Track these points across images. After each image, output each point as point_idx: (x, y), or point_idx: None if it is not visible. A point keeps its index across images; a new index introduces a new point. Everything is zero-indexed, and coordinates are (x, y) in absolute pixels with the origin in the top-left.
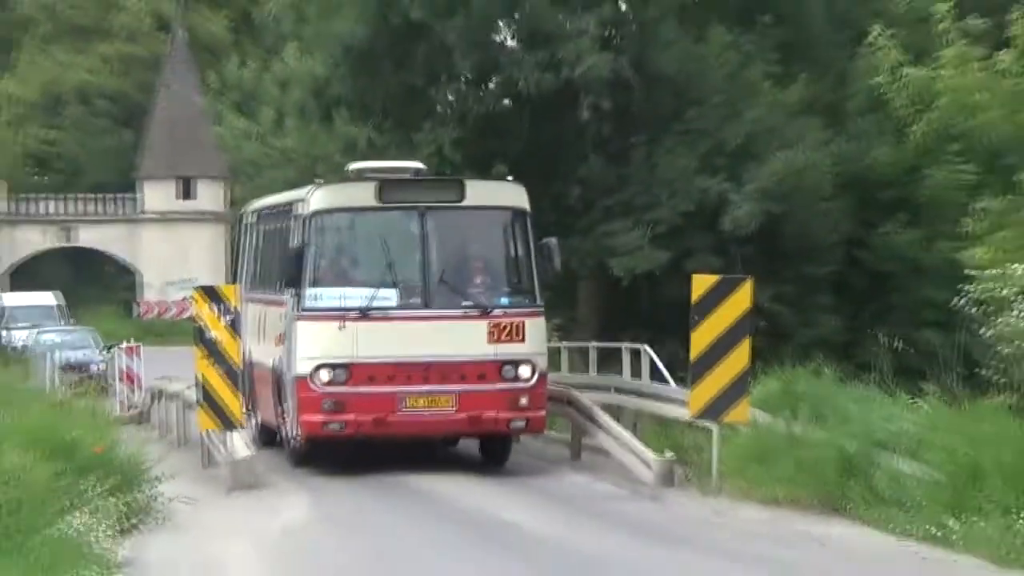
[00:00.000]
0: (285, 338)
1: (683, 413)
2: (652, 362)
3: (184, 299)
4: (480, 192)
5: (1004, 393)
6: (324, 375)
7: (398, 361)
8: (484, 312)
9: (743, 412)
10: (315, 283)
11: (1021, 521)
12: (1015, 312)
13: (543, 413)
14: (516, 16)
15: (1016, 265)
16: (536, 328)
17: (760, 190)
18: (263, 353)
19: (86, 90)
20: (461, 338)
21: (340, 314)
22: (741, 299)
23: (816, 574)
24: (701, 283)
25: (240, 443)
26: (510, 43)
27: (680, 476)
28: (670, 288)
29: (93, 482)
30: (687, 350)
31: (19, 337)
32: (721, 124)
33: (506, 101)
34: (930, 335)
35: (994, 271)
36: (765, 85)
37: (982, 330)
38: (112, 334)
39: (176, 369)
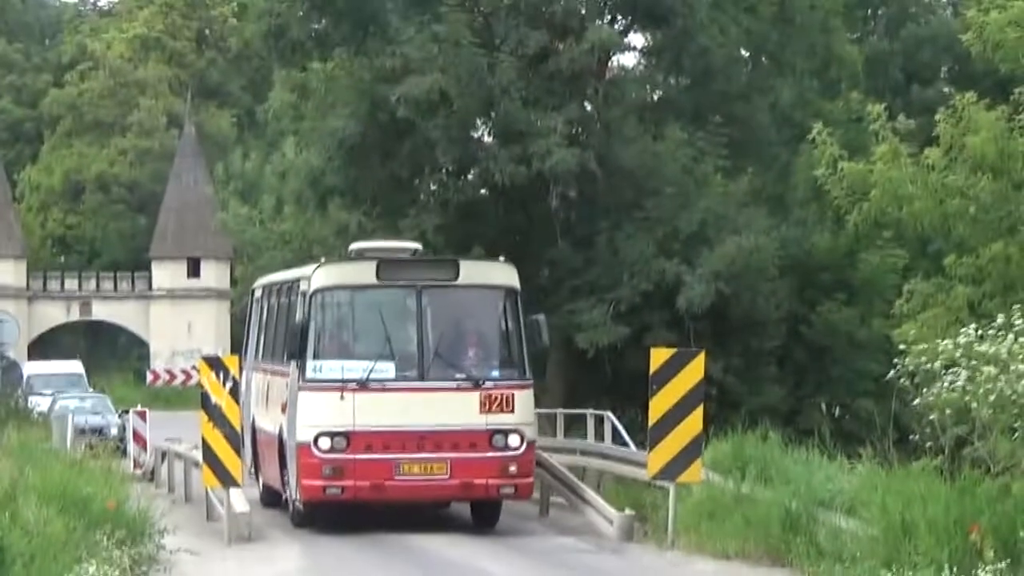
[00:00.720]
0: (288, 407)
1: (642, 473)
2: (614, 427)
3: (191, 367)
4: (473, 271)
5: (932, 456)
6: (324, 443)
7: (394, 430)
8: (476, 384)
9: (696, 472)
10: (317, 355)
11: (948, 574)
12: (942, 383)
13: (531, 479)
14: (492, 115)
15: (945, 341)
16: (525, 399)
17: (712, 272)
18: (268, 420)
19: (104, 179)
20: (454, 409)
21: (340, 385)
22: (694, 370)
23: None
24: (658, 356)
25: (239, 499)
26: (487, 139)
27: (639, 531)
28: (630, 360)
29: (104, 534)
30: (646, 416)
31: (42, 403)
32: (676, 212)
33: (483, 191)
34: (866, 404)
35: (923, 346)
36: (716, 178)
37: (913, 400)
38: (124, 399)
39: (181, 432)
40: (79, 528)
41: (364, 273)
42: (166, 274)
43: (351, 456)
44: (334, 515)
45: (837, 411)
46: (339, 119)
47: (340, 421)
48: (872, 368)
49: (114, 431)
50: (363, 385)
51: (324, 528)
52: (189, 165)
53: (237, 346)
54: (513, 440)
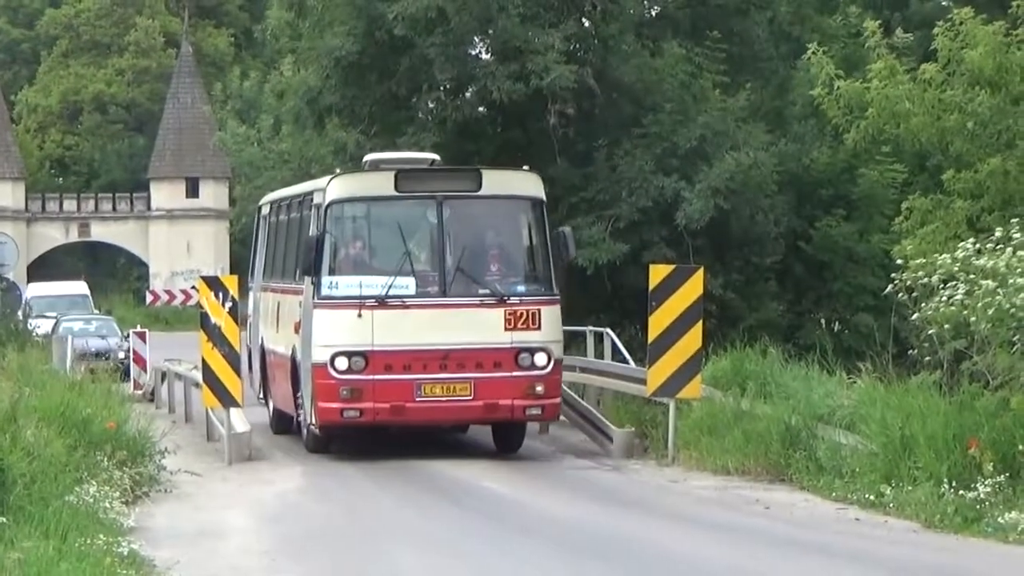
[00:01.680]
0: (302, 326)
1: (642, 390)
2: (613, 344)
3: (190, 287)
4: (496, 181)
5: (931, 371)
6: (341, 363)
7: (415, 349)
8: (500, 300)
9: (695, 389)
10: (333, 271)
11: (947, 488)
12: (941, 298)
13: (558, 400)
14: (490, 32)
15: (943, 255)
16: (552, 316)
17: (710, 188)
18: (280, 341)
19: (102, 99)
20: (478, 326)
21: (358, 302)
22: (694, 286)
23: (761, 536)
24: (657, 272)
25: (239, 419)
26: (485, 57)
27: (639, 448)
28: (629, 277)
29: (105, 455)
30: (645, 333)
31: (46, 325)
32: (675, 128)
33: (481, 108)
34: (865, 319)
35: (922, 260)
36: (714, 93)
37: (912, 314)
38: (124, 320)
39: (181, 352)
40: (80, 449)
41: (382, 184)
42: (164, 194)
43: (370, 377)
44: (354, 444)
45: (836, 326)
46: (336, 37)
47: (358, 340)
48: (871, 283)
49: (121, 354)
50: (382, 302)
51: (327, 450)
52: (187, 85)
53: (236, 266)
54: (540, 359)
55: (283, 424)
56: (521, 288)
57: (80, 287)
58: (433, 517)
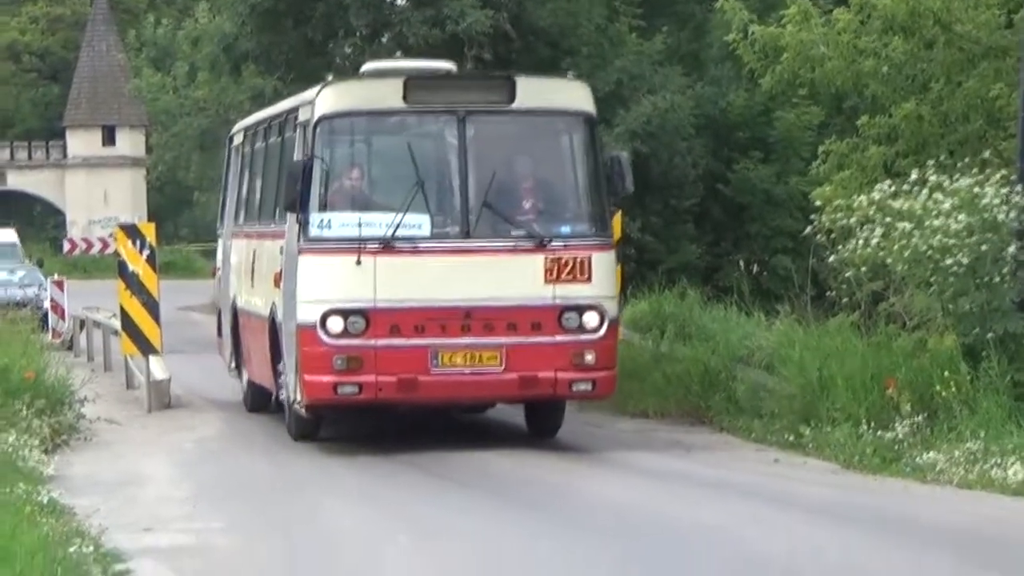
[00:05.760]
0: (285, 278)
1: None
2: None
3: (108, 235)
4: (534, 92)
5: (849, 312)
6: (335, 324)
7: (430, 306)
8: (540, 244)
9: None
10: (324, 207)
11: (866, 428)
12: (858, 240)
13: (614, 372)
14: None
15: (860, 197)
16: (605, 264)
17: (628, 131)
18: (255, 297)
19: (16, 48)
20: (511, 277)
21: (356, 246)
22: (612, 229)
23: (681, 477)
24: None
25: (158, 367)
26: (400, 2)
27: None
28: None
29: (23, 404)
30: None
31: None
32: (592, 72)
33: (398, 54)
34: (783, 260)
35: (840, 203)
36: (631, 37)
37: (829, 256)
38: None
39: (100, 300)
40: None
41: (387, 94)
42: (81, 142)
43: (372, 342)
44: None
45: (755, 268)
46: None
47: (357, 294)
48: (789, 225)
49: (46, 304)
50: (387, 245)
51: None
52: (101, 32)
53: (153, 213)
54: (590, 319)
55: (260, 401)
56: (566, 229)
57: (9, 235)
58: (360, 467)
